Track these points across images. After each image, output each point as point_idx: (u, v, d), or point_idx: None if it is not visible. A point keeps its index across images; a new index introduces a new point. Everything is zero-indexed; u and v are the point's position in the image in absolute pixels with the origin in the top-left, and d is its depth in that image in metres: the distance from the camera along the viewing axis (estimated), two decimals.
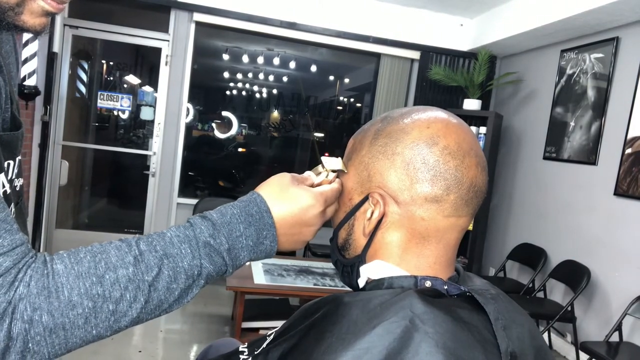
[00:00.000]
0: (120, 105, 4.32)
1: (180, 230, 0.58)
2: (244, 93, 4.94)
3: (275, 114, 4.97)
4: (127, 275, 0.53)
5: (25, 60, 3.52)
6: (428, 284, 0.59)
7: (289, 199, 0.62)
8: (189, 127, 4.61)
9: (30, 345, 0.49)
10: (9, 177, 0.65)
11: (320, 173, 0.68)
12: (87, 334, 0.52)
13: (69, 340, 0.51)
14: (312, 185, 0.66)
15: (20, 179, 0.74)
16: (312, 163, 5.06)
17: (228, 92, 4.93)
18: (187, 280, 0.56)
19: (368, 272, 0.63)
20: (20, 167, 0.73)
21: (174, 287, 0.55)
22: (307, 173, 0.69)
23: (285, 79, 4.88)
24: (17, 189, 0.74)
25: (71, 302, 0.50)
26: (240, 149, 5.07)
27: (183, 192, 4.49)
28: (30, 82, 3.55)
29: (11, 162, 0.66)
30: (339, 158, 0.68)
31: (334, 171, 0.68)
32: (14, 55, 0.76)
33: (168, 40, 4.19)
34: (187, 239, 0.57)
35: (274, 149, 5.17)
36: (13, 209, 0.69)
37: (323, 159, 0.69)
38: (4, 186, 0.62)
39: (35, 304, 0.49)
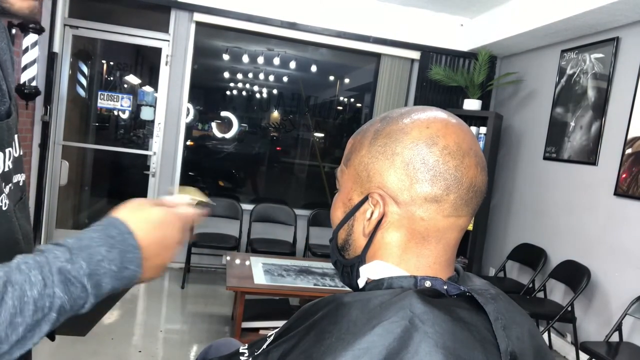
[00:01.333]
0: (120, 105, 4.32)
1: (28, 257, 0.49)
2: (244, 93, 4.94)
3: (275, 114, 4.97)
4: None
5: (26, 62, 3.52)
6: (428, 284, 0.59)
7: (148, 218, 0.59)
8: (189, 127, 4.61)
9: None
10: None
11: (180, 198, 0.69)
12: None
13: None
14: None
15: (21, 174, 0.74)
16: (312, 163, 5.07)
17: (228, 92, 4.93)
18: (35, 314, 0.46)
19: (368, 273, 0.63)
20: (18, 162, 0.72)
21: (18, 321, 0.45)
22: (168, 197, 0.69)
23: (285, 79, 4.88)
24: (20, 184, 0.73)
25: None
26: (240, 150, 5.07)
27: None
28: (31, 82, 3.55)
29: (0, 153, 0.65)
30: (196, 191, 0.70)
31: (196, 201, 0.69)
32: (8, 53, 0.75)
33: (168, 40, 4.19)
34: (39, 264, 0.48)
35: (274, 149, 5.17)
36: (12, 206, 0.69)
37: (182, 192, 0.70)
38: None
39: None
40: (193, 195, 0.68)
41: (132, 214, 0.58)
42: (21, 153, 0.74)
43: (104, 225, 0.55)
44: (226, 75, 4.81)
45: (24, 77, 3.51)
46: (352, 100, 5.21)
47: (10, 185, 0.68)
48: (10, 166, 0.68)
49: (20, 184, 0.73)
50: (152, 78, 4.46)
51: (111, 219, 0.57)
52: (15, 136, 0.72)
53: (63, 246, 0.51)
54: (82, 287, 0.50)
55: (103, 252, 0.52)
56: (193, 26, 4.24)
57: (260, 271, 3.05)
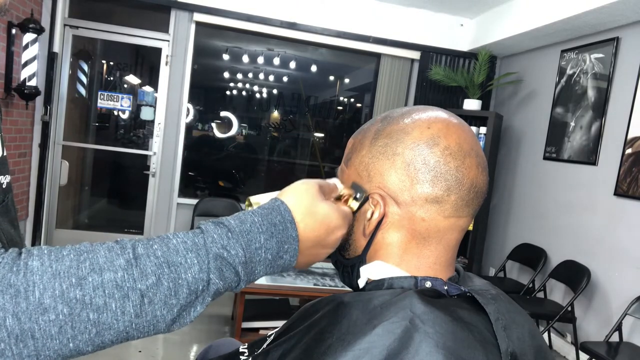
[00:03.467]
0: (120, 105, 4.32)
1: (188, 236, 0.50)
2: (244, 93, 4.94)
3: (275, 114, 4.97)
4: (115, 280, 0.44)
5: (26, 61, 3.52)
6: (428, 284, 0.59)
7: (317, 217, 0.56)
8: (189, 127, 4.61)
9: None
10: None
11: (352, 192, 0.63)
12: (62, 347, 0.43)
13: (41, 353, 0.42)
14: (339, 198, 0.62)
15: (4, 175, 0.72)
16: (312, 163, 5.07)
17: (228, 92, 4.93)
18: (189, 296, 0.48)
19: (368, 273, 0.63)
20: (2, 163, 0.70)
21: (173, 302, 0.47)
22: (334, 181, 0.63)
23: (285, 79, 4.88)
24: (4, 186, 0.71)
25: (42, 304, 0.42)
26: (240, 149, 5.07)
27: (183, 192, 4.49)
28: (31, 82, 3.55)
29: None
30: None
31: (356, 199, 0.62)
32: None
33: (168, 41, 4.19)
34: (196, 247, 0.49)
35: (273, 149, 5.17)
36: None
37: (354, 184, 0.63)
38: None
39: None
40: (362, 195, 0.61)
41: (300, 203, 0.55)
42: (5, 154, 0.72)
43: (268, 209, 0.54)
44: (226, 75, 4.81)
45: (24, 77, 3.50)
46: (352, 100, 5.21)
47: None
48: None
49: (4, 186, 0.71)
50: (152, 78, 4.46)
51: (277, 204, 0.55)
52: None
53: (224, 227, 0.51)
54: (236, 273, 0.50)
55: (262, 239, 0.52)
56: (193, 26, 4.24)
57: None
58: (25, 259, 0.44)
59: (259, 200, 0.60)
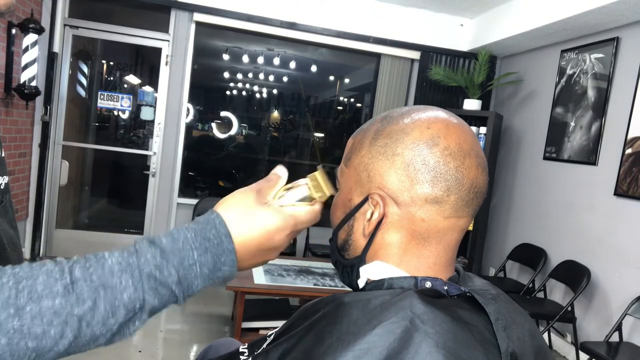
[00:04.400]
0: (120, 105, 4.32)
1: (123, 256, 0.50)
2: (244, 93, 4.94)
3: (275, 114, 4.97)
4: (53, 307, 0.45)
5: (26, 62, 3.52)
6: (428, 284, 0.59)
7: (254, 222, 0.56)
8: (189, 127, 4.61)
9: None
10: None
11: (299, 186, 0.62)
12: None
13: None
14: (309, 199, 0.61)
15: (3, 177, 0.72)
16: (312, 163, 5.07)
17: (228, 92, 4.93)
18: (127, 314, 0.49)
19: (368, 273, 0.63)
20: (1, 162, 0.71)
21: (111, 322, 0.48)
22: (281, 185, 0.62)
23: (285, 79, 4.88)
24: (2, 187, 0.71)
25: None
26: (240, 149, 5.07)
27: (183, 192, 4.49)
28: (31, 82, 3.55)
29: None
30: (324, 178, 0.62)
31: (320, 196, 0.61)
32: None
33: (168, 40, 4.19)
34: (130, 268, 0.50)
35: (274, 149, 5.17)
36: None
37: (318, 175, 0.62)
38: None
39: None
40: (319, 185, 0.60)
41: (237, 215, 0.55)
42: (3, 155, 0.73)
43: (202, 223, 0.54)
44: (226, 75, 4.81)
45: (24, 77, 3.50)
46: (352, 100, 5.21)
47: None
48: None
49: (2, 186, 0.71)
50: (152, 78, 4.46)
51: (212, 217, 0.55)
52: None
53: (157, 247, 0.51)
54: (171, 292, 0.51)
55: (195, 255, 0.52)
56: (193, 26, 4.24)
57: (260, 271, 3.05)
58: None
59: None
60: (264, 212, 0.57)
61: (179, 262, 0.51)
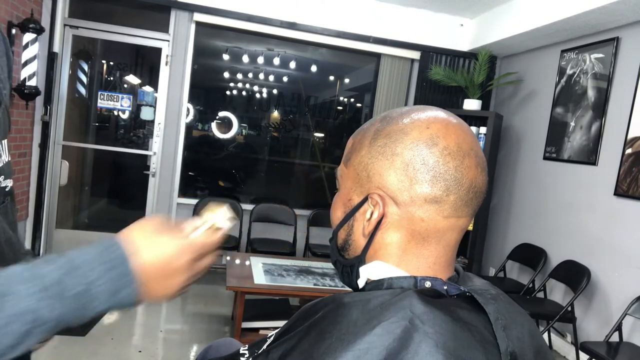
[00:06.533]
0: (120, 105, 4.32)
1: (26, 267, 0.51)
2: (244, 93, 4.94)
3: (275, 114, 4.97)
4: None
5: (26, 61, 3.52)
6: (428, 284, 0.59)
7: (153, 248, 0.57)
8: (189, 127, 4.62)
9: None
10: None
11: (205, 222, 0.64)
12: None
13: None
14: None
15: (8, 179, 0.73)
16: (312, 163, 5.07)
17: (228, 92, 4.93)
18: (22, 327, 0.49)
19: (368, 273, 0.63)
20: (6, 167, 0.71)
21: (9, 330, 0.48)
22: (190, 221, 0.64)
23: (285, 79, 4.88)
24: (7, 189, 0.72)
25: None
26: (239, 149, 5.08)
27: (183, 192, 4.49)
28: (31, 82, 3.55)
29: None
30: (226, 210, 0.65)
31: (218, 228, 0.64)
32: (4, 58, 0.74)
33: (168, 40, 4.19)
34: (27, 279, 0.50)
35: (274, 149, 5.17)
36: None
37: (209, 212, 0.64)
38: None
39: None
40: (221, 215, 0.64)
41: (138, 239, 0.57)
42: (9, 159, 0.73)
43: (104, 246, 0.55)
44: (226, 75, 4.81)
45: (24, 77, 3.50)
46: (352, 100, 5.21)
47: None
48: None
49: (7, 189, 0.72)
50: (152, 78, 4.46)
51: (113, 242, 0.56)
52: (4, 142, 0.71)
53: (54, 266, 0.52)
54: (64, 310, 0.51)
55: (93, 276, 0.52)
56: (193, 26, 4.24)
57: (260, 271, 3.05)
58: None
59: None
60: (163, 239, 0.59)
61: (76, 282, 0.51)
